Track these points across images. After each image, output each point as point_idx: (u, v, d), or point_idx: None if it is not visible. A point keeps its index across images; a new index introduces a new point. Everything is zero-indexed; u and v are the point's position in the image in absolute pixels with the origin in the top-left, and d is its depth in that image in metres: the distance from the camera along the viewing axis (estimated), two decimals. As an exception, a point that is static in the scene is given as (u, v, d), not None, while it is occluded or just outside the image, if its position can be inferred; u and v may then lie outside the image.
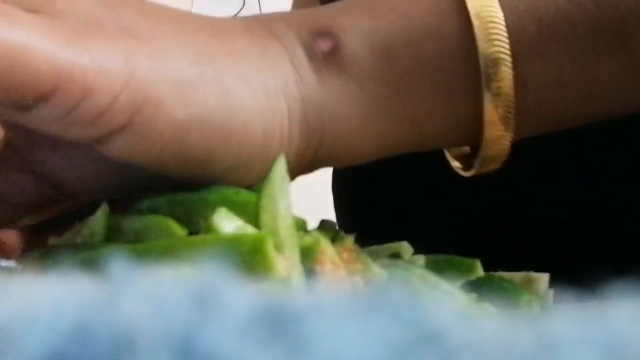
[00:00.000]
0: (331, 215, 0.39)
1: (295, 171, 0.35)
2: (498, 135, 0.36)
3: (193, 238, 0.30)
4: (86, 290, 0.13)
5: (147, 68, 0.31)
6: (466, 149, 0.41)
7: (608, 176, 0.51)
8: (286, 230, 0.30)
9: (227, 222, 0.30)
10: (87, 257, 0.30)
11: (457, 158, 0.41)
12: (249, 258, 0.28)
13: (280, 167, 0.32)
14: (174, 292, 0.13)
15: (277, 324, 0.12)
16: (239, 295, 0.13)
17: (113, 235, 0.33)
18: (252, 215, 0.31)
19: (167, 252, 0.29)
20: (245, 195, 0.32)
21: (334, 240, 0.34)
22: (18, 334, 0.11)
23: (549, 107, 0.38)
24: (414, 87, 0.36)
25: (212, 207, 0.31)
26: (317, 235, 0.32)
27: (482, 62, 0.35)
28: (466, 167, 0.41)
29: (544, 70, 0.37)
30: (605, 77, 0.37)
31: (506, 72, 0.35)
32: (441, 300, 0.13)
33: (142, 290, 0.13)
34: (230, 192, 0.32)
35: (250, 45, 0.34)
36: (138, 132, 0.31)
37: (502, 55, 0.35)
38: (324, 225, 0.36)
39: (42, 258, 0.33)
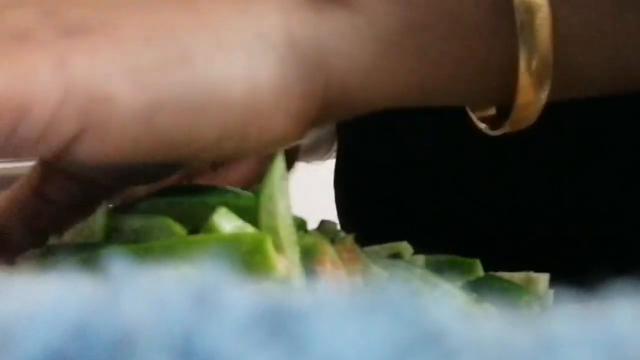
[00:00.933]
0: (331, 216, 0.39)
1: (308, 117, 0.32)
2: (531, 91, 0.33)
3: (193, 238, 0.30)
4: (86, 290, 0.13)
5: (87, 66, 0.29)
6: (491, 111, 0.38)
7: (608, 176, 0.51)
8: (286, 230, 0.30)
9: (227, 222, 0.30)
10: (87, 257, 0.30)
11: (482, 120, 0.38)
12: (249, 258, 0.28)
13: (280, 167, 0.32)
14: (174, 291, 0.13)
15: (277, 324, 0.12)
16: (239, 295, 0.13)
17: (113, 235, 0.33)
18: (252, 219, 0.31)
19: (167, 252, 0.29)
20: (245, 198, 0.32)
21: (333, 240, 0.34)
22: (18, 333, 0.11)
23: (589, 61, 0.34)
24: (433, 24, 0.33)
25: (212, 210, 0.31)
26: (317, 235, 0.32)
27: (516, 6, 0.32)
28: (492, 127, 0.37)
29: (584, 21, 0.33)
30: None
31: (543, 19, 0.32)
32: (441, 300, 0.13)
33: (142, 290, 0.13)
34: (230, 195, 0.32)
35: None
36: (97, 134, 0.29)
37: (539, 1, 0.32)
38: (323, 225, 0.36)
39: (42, 258, 0.33)
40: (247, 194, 0.33)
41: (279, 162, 0.32)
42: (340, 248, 0.33)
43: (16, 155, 0.30)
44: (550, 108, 0.45)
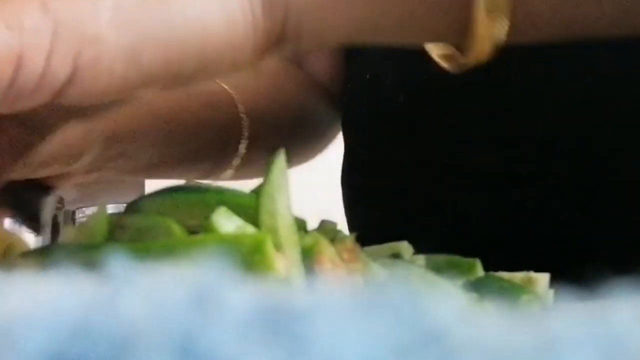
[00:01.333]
0: (331, 216, 0.39)
1: (262, 49, 0.33)
2: (486, 25, 0.33)
3: (193, 238, 0.30)
4: (86, 289, 0.13)
5: (71, 9, 0.29)
6: (451, 49, 0.37)
7: (607, 177, 0.51)
8: (286, 229, 0.30)
9: (226, 221, 0.30)
10: (87, 257, 0.30)
11: (442, 58, 0.38)
12: (249, 258, 0.28)
13: (280, 167, 0.32)
14: (173, 291, 0.13)
15: (277, 324, 0.12)
16: (238, 294, 0.13)
17: (117, 233, 0.33)
18: (252, 218, 0.31)
19: (167, 251, 0.29)
20: (245, 198, 0.32)
21: (333, 240, 0.34)
22: (18, 332, 0.11)
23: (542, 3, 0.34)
24: None
25: (212, 209, 0.31)
26: (317, 235, 0.32)
27: None
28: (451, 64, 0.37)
29: None
30: None
31: None
32: (442, 300, 0.13)
33: (142, 290, 0.13)
34: (230, 194, 0.32)
35: None
36: (89, 74, 0.30)
37: None
38: (323, 225, 0.36)
39: (42, 258, 0.33)
40: (247, 193, 0.33)
41: (280, 162, 0.32)
42: (340, 248, 0.33)
43: (13, 107, 0.30)
44: (557, 108, 0.45)
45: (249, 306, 0.12)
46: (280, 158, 0.32)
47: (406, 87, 0.56)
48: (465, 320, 0.12)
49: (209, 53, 0.32)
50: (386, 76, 0.57)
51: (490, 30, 0.33)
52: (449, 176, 0.54)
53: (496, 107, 0.53)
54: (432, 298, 0.13)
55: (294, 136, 0.62)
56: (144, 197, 0.34)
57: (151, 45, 0.30)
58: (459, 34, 0.34)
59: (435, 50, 0.38)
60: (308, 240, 0.31)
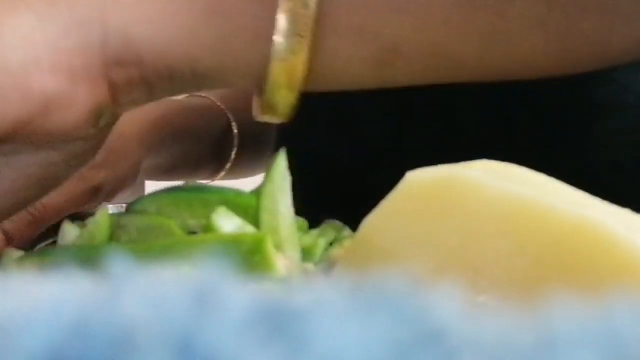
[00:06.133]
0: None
1: (90, 72, 0.32)
2: (285, 56, 0.32)
3: (193, 238, 0.30)
4: (86, 288, 0.13)
5: None
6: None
7: (608, 176, 0.51)
8: (287, 229, 0.30)
9: (227, 222, 0.30)
10: (87, 257, 0.30)
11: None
12: (249, 257, 0.28)
13: (281, 167, 0.32)
14: (173, 291, 0.13)
15: (277, 323, 0.12)
16: (238, 294, 0.13)
17: (118, 233, 0.33)
18: (252, 218, 0.31)
19: (167, 251, 0.29)
20: (246, 197, 0.32)
21: (337, 239, 0.34)
22: (18, 332, 0.11)
23: (380, 34, 0.33)
24: None
25: (212, 208, 0.31)
26: (318, 235, 0.32)
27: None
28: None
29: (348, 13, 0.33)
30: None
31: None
32: (442, 299, 0.13)
33: (142, 289, 0.13)
34: (231, 194, 0.32)
35: None
36: None
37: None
38: (327, 224, 0.36)
39: (42, 258, 0.32)
40: (248, 192, 0.33)
41: (281, 162, 0.32)
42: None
43: None
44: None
45: (249, 306, 0.12)
46: (281, 159, 0.32)
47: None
48: (465, 319, 0.12)
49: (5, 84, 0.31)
50: None
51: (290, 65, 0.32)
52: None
53: None
54: (432, 297, 0.13)
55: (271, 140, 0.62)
56: (144, 198, 0.34)
57: None
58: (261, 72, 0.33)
59: (257, 102, 0.36)
60: (308, 240, 0.31)
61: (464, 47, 0.34)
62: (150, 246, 0.30)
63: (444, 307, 0.13)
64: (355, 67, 0.34)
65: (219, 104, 0.60)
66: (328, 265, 0.31)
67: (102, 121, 0.33)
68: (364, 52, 0.34)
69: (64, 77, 0.32)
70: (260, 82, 0.33)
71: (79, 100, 0.32)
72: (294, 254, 0.30)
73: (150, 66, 0.33)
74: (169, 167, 0.57)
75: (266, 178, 0.31)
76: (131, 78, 0.33)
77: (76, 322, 0.12)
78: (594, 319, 0.13)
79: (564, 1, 0.34)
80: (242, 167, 0.62)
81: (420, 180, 0.25)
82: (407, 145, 0.52)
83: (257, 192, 0.31)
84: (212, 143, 0.59)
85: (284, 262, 0.28)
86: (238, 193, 0.32)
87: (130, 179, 0.51)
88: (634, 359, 0.12)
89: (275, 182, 0.31)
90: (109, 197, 0.49)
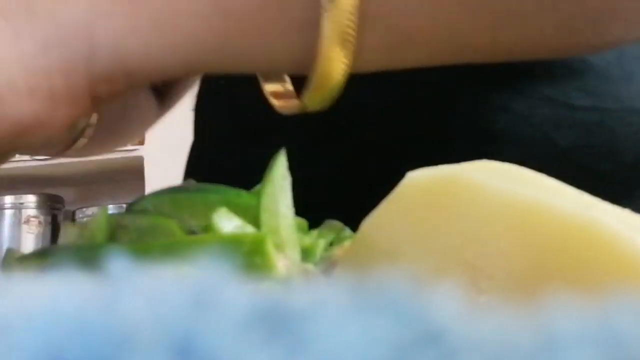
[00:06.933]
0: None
1: (77, 91, 0.29)
2: (334, 54, 0.31)
3: (193, 238, 0.30)
4: (86, 288, 0.13)
5: None
6: (288, 87, 0.35)
7: (626, 166, 0.51)
8: (287, 229, 0.30)
9: (227, 222, 0.30)
10: (87, 257, 0.30)
11: (276, 96, 0.35)
12: (249, 258, 0.28)
13: (281, 166, 0.32)
14: (173, 291, 0.13)
15: (277, 323, 0.12)
16: (238, 294, 0.13)
17: (116, 233, 0.33)
18: (253, 218, 0.31)
19: (167, 251, 0.29)
20: (246, 197, 0.32)
21: (337, 239, 0.34)
22: (18, 332, 0.11)
23: (396, 25, 0.32)
24: None
25: (213, 208, 0.31)
26: (318, 235, 0.32)
27: None
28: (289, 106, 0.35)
29: None
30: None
31: None
32: (442, 299, 0.13)
33: (141, 289, 0.13)
34: (231, 194, 0.32)
35: None
36: None
37: None
38: (327, 224, 0.36)
39: (42, 259, 0.32)
40: (249, 192, 0.33)
41: (281, 162, 0.32)
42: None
43: None
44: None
45: (249, 306, 0.12)
46: (281, 159, 0.32)
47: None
48: (465, 319, 0.12)
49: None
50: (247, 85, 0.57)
51: (337, 57, 0.31)
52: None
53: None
54: (432, 297, 0.13)
55: (120, 121, 0.59)
56: (144, 197, 0.34)
57: None
58: (306, 59, 0.31)
59: (268, 88, 0.35)
60: (308, 240, 0.31)
61: (477, 29, 0.34)
62: (150, 246, 0.30)
63: (444, 307, 0.13)
64: (367, 53, 0.33)
65: None
66: (328, 265, 0.31)
67: (79, 125, 0.32)
68: (376, 39, 0.32)
69: (42, 100, 0.29)
70: (299, 70, 0.32)
71: (57, 120, 0.30)
72: (294, 254, 0.30)
73: (142, 78, 0.31)
74: None
75: (266, 178, 0.31)
76: (118, 89, 0.31)
77: (76, 322, 0.12)
78: (594, 319, 0.13)
79: None
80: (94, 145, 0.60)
81: (420, 180, 0.25)
82: (408, 145, 0.52)
83: (257, 192, 0.31)
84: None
85: (284, 262, 0.28)
86: (238, 193, 0.32)
87: None
88: (634, 359, 0.12)
89: (275, 182, 0.31)
90: None
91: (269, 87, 0.35)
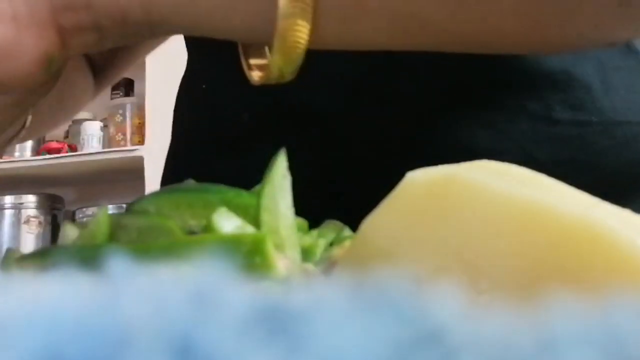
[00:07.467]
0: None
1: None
2: (291, 21, 0.32)
3: (193, 238, 0.30)
4: (86, 288, 0.13)
5: None
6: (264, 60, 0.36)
7: (607, 179, 0.51)
8: (287, 229, 0.30)
9: (227, 222, 0.30)
10: (87, 257, 0.30)
11: (259, 69, 0.37)
12: (249, 258, 0.28)
13: (281, 166, 0.32)
14: (173, 291, 0.13)
15: (277, 323, 0.12)
16: (238, 294, 0.13)
17: (116, 233, 0.33)
18: (252, 218, 0.31)
19: (167, 251, 0.29)
20: (246, 197, 0.32)
21: (337, 239, 0.34)
22: (17, 331, 0.11)
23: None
24: None
25: (213, 208, 0.31)
26: (318, 235, 0.32)
27: None
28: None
29: None
30: None
31: None
32: (442, 299, 0.13)
33: (141, 289, 0.13)
34: (231, 194, 0.32)
35: None
36: None
37: None
38: (327, 224, 0.36)
39: (42, 258, 0.32)
40: (249, 192, 0.32)
41: (281, 162, 0.32)
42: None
43: None
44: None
45: (249, 306, 0.12)
46: (281, 158, 0.32)
47: (253, 107, 0.56)
48: (465, 319, 0.12)
49: None
50: (228, 93, 0.58)
51: (296, 25, 0.32)
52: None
53: None
54: (432, 297, 0.13)
55: (57, 97, 0.60)
56: (144, 198, 0.34)
57: None
58: (268, 28, 0.33)
59: (251, 61, 0.37)
60: (308, 240, 0.31)
61: (437, 10, 0.34)
62: (150, 246, 0.30)
63: (444, 307, 0.13)
64: (323, 19, 0.33)
65: None
66: (328, 265, 0.31)
67: (53, 67, 0.33)
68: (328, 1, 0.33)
69: (7, 26, 0.31)
70: (258, 39, 0.33)
71: (26, 48, 0.32)
72: (294, 254, 0.30)
73: (101, 10, 0.33)
74: None
75: (266, 178, 0.31)
76: (81, 22, 0.33)
77: (76, 322, 0.12)
78: (594, 319, 0.13)
79: None
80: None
81: (420, 180, 0.25)
82: (409, 146, 0.52)
83: (257, 192, 0.31)
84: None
85: (284, 262, 0.28)
86: (238, 193, 0.32)
87: None
88: (634, 359, 0.12)
89: (275, 182, 0.31)
90: None
91: (252, 61, 0.37)
